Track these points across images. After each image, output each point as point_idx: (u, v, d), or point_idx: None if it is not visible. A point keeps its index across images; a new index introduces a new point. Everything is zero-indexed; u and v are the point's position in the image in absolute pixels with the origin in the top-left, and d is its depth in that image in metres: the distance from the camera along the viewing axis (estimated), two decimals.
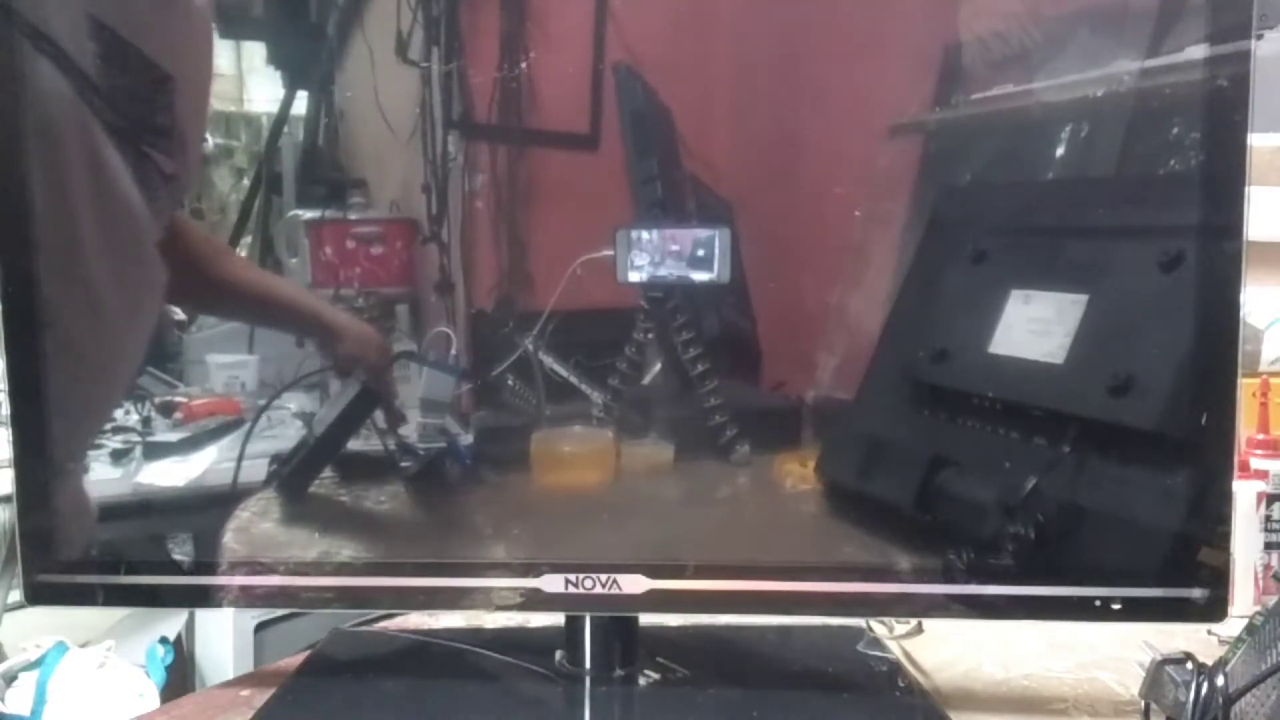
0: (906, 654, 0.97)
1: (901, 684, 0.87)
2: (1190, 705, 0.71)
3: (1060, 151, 0.79)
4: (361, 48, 0.83)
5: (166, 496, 0.88)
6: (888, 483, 0.83)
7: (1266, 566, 1.11)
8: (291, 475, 0.86)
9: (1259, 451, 1.14)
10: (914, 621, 1.01)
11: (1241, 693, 0.70)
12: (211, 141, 0.86)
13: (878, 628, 0.99)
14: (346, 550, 0.84)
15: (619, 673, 0.86)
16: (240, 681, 0.96)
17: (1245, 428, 1.14)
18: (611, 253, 0.81)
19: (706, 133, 0.83)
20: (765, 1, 0.84)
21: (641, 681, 0.86)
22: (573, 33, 0.82)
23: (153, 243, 0.83)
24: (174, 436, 0.89)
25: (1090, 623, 0.79)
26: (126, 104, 0.79)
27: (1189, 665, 0.73)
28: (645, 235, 0.81)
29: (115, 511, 0.86)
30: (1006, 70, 0.78)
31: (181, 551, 0.86)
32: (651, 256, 0.81)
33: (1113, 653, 0.96)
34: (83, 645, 1.96)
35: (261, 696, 0.87)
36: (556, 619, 0.89)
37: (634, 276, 0.81)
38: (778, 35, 0.82)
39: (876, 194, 0.81)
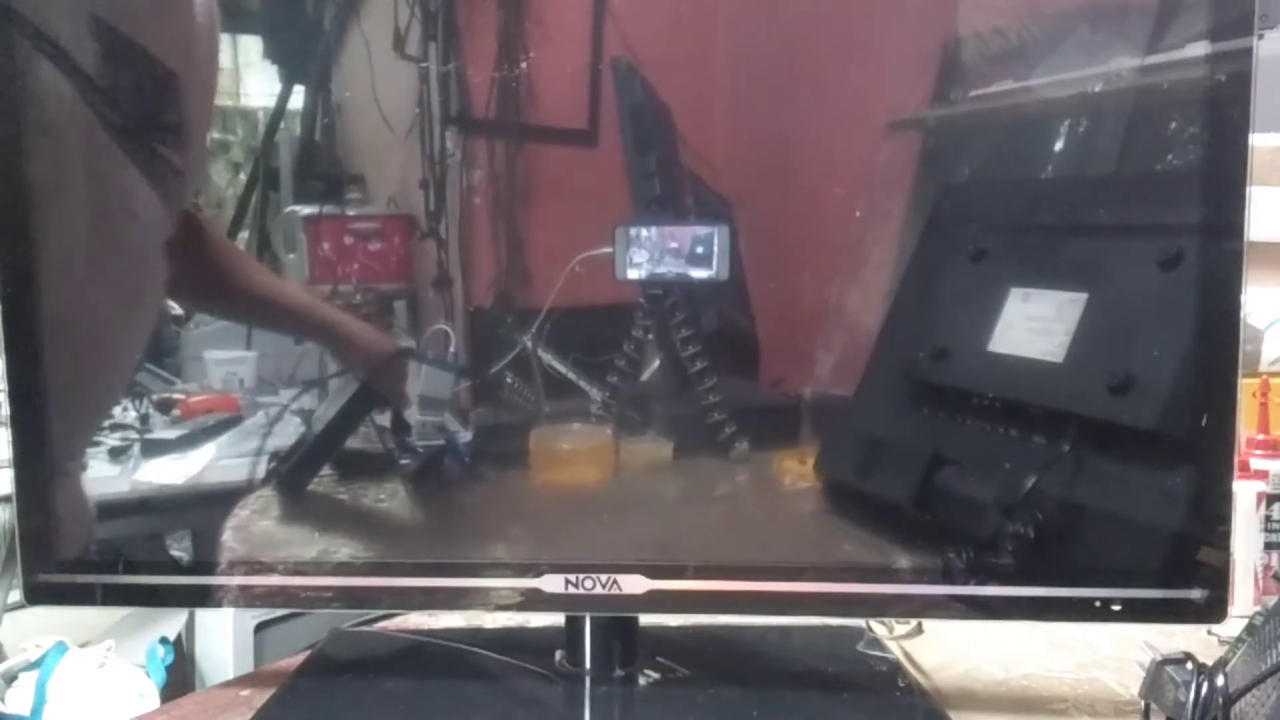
0: (906, 654, 0.97)
1: (901, 684, 0.87)
2: (1190, 705, 0.71)
3: (1060, 149, 0.79)
4: (359, 42, 0.83)
5: (165, 495, 0.88)
6: (887, 481, 0.83)
7: (1266, 566, 1.11)
8: (291, 473, 0.86)
9: (1259, 451, 1.14)
10: (914, 621, 1.01)
11: (1241, 693, 0.69)
12: (210, 136, 0.86)
13: (878, 628, 0.99)
14: (346, 549, 0.84)
15: (619, 673, 0.86)
16: (240, 681, 0.96)
17: (1245, 428, 1.14)
18: (610, 250, 0.81)
19: (705, 129, 0.83)
20: None
21: (641, 681, 0.86)
22: (571, 28, 0.82)
23: (159, 241, 0.82)
24: (172, 434, 0.88)
25: (1090, 623, 0.79)
26: (130, 102, 0.79)
27: (1189, 665, 0.73)
28: (644, 232, 0.80)
29: (114, 510, 0.86)
30: (1006, 67, 0.78)
31: (181, 550, 0.86)
32: (650, 254, 0.80)
33: (1113, 653, 0.96)
34: (83, 645, 1.96)
35: (261, 696, 0.87)
36: (556, 619, 0.89)
37: (633, 274, 0.81)
38: (776, 31, 0.82)
39: (875, 191, 0.81)
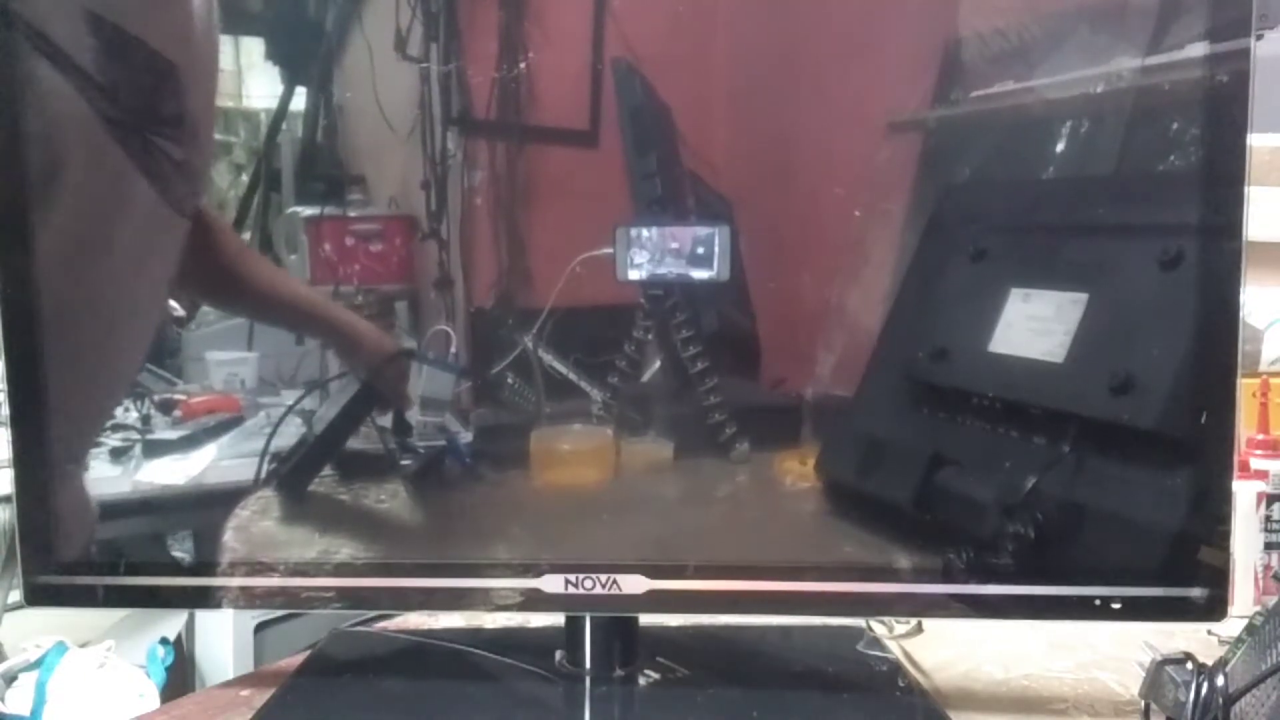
0: (906, 654, 0.97)
1: (901, 684, 0.87)
2: (1190, 705, 0.71)
3: (1060, 149, 0.79)
4: (360, 43, 0.83)
5: (166, 495, 0.88)
6: (887, 481, 0.83)
7: (1266, 566, 1.11)
8: (291, 473, 0.86)
9: (1259, 451, 1.14)
10: (914, 621, 1.01)
11: (1241, 693, 0.69)
12: (214, 130, 0.86)
13: (878, 628, 0.99)
14: (346, 549, 0.84)
15: (619, 673, 0.86)
16: (240, 681, 0.96)
17: (1245, 428, 1.14)
18: (611, 250, 0.81)
19: (706, 130, 0.83)
20: None
21: (641, 681, 0.86)
22: (572, 29, 0.82)
23: (162, 237, 0.82)
24: (173, 434, 0.88)
25: (1090, 622, 0.79)
26: (127, 95, 0.79)
27: (1189, 665, 0.73)
28: (645, 233, 0.80)
29: (115, 510, 0.86)
30: (1006, 67, 0.78)
31: (181, 551, 0.86)
32: (651, 254, 0.81)
33: (1113, 653, 0.96)
34: (83, 645, 1.96)
35: (261, 696, 0.87)
36: (556, 619, 0.89)
37: (633, 274, 0.81)
38: (777, 32, 0.82)
39: (876, 191, 0.81)
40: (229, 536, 0.85)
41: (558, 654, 0.88)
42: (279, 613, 1.94)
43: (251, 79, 0.85)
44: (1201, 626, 0.80)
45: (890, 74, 0.81)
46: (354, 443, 0.86)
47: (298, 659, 0.95)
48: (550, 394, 0.84)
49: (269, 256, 0.89)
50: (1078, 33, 0.77)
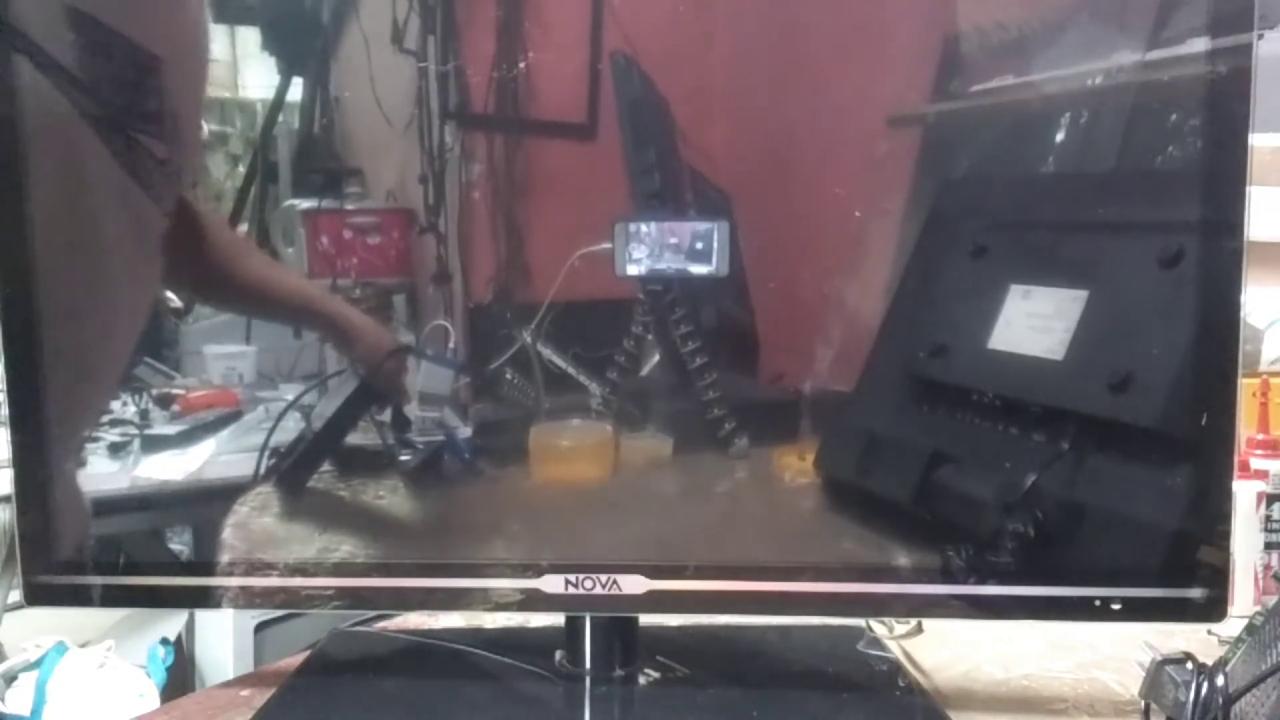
0: (906, 654, 0.97)
1: (901, 684, 0.87)
2: (1190, 705, 0.71)
3: (1060, 145, 0.79)
4: (357, 36, 0.83)
5: (165, 491, 0.88)
6: (886, 478, 0.83)
7: (1266, 566, 1.11)
8: (290, 469, 0.86)
9: (1259, 451, 1.14)
10: (914, 621, 1.01)
11: (1241, 693, 0.69)
12: (206, 128, 0.85)
13: (878, 628, 0.99)
14: (346, 547, 0.84)
15: (619, 673, 0.86)
16: (240, 681, 0.96)
17: (1245, 428, 1.14)
18: (610, 245, 0.81)
19: (705, 124, 0.82)
20: None
21: (641, 681, 0.86)
22: (570, 22, 0.82)
23: (153, 234, 0.82)
24: (172, 429, 0.88)
25: (1090, 622, 0.79)
26: (109, 91, 0.79)
27: (1189, 665, 0.73)
28: (644, 228, 0.80)
29: (114, 506, 0.86)
30: (1006, 62, 0.78)
31: (180, 546, 0.86)
32: (650, 249, 0.80)
33: (1113, 653, 0.96)
34: (83, 645, 1.96)
35: (261, 696, 0.87)
36: (556, 619, 0.89)
37: (632, 270, 0.81)
38: (776, 25, 0.82)
39: (875, 186, 0.81)
40: (228, 533, 0.85)
41: (558, 654, 0.88)
42: (279, 613, 1.94)
43: (248, 70, 0.85)
44: (1201, 626, 0.80)
45: (890, 68, 0.81)
46: (353, 438, 0.86)
47: (298, 659, 0.95)
48: (549, 389, 0.84)
49: (266, 249, 0.89)
50: (1078, 27, 0.77)
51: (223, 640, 2.05)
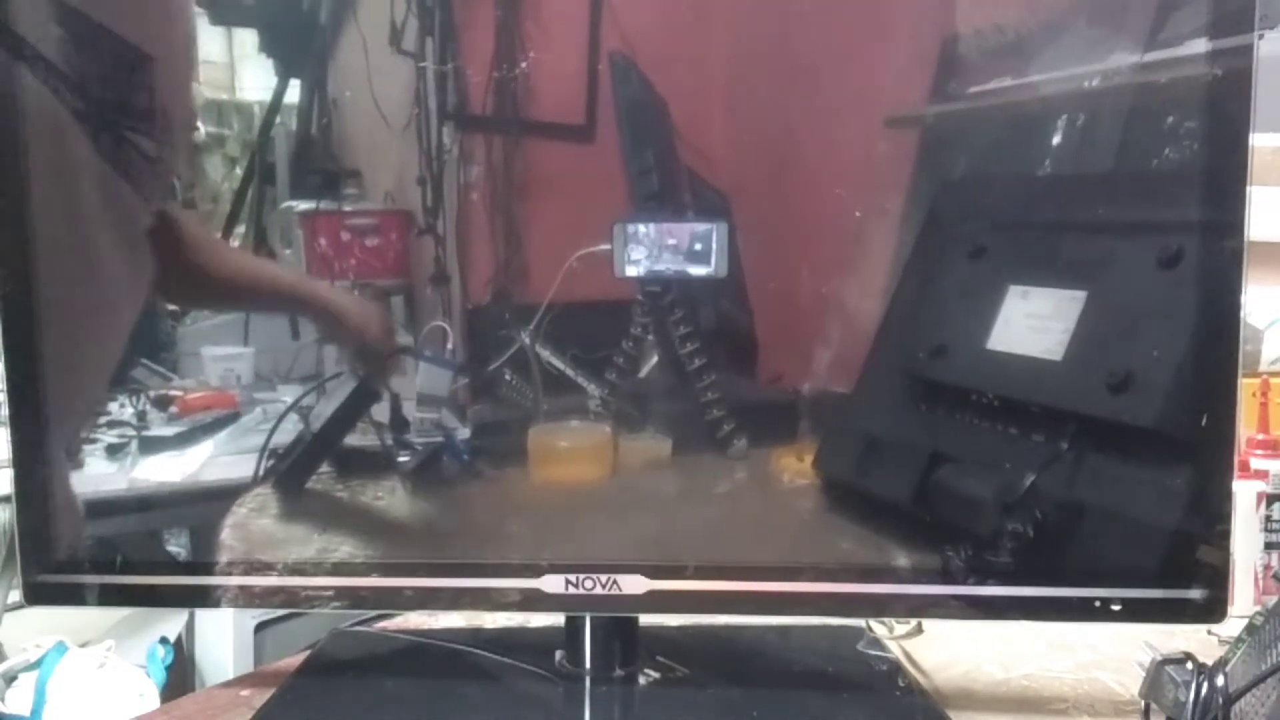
0: (906, 654, 0.97)
1: (901, 684, 0.87)
2: (1190, 705, 0.71)
3: (1059, 146, 0.79)
4: (355, 37, 0.83)
5: (164, 492, 0.88)
6: (886, 478, 0.83)
7: (1266, 566, 1.11)
8: (289, 470, 0.86)
9: (1259, 451, 1.14)
10: (914, 621, 1.01)
11: (1241, 693, 0.69)
12: (204, 130, 0.85)
13: (878, 628, 0.99)
14: (345, 547, 0.84)
15: (619, 673, 0.86)
16: (240, 681, 0.96)
17: (1245, 428, 1.14)
18: (608, 247, 0.81)
19: (703, 125, 0.82)
20: None
21: (641, 681, 0.86)
22: (568, 22, 0.82)
23: (141, 232, 0.82)
24: (170, 431, 0.88)
25: (1090, 623, 0.79)
26: (101, 89, 0.78)
27: (1189, 665, 0.73)
28: (642, 229, 0.80)
29: (114, 508, 0.86)
30: (1005, 63, 0.78)
31: (179, 547, 0.86)
32: (649, 251, 0.80)
33: (1113, 653, 0.96)
34: (83, 645, 1.96)
35: (261, 696, 0.87)
36: (556, 619, 0.89)
37: (631, 271, 0.81)
38: (774, 26, 0.82)
39: (874, 187, 0.81)
40: (227, 534, 0.85)
41: (558, 654, 0.88)
42: (279, 613, 1.94)
43: (245, 71, 0.85)
44: (1201, 626, 0.80)
45: (888, 69, 0.81)
46: (351, 439, 0.86)
47: (298, 659, 0.95)
48: (548, 390, 0.84)
49: (264, 250, 0.89)
50: (1077, 28, 0.77)
51: (223, 640, 2.05)
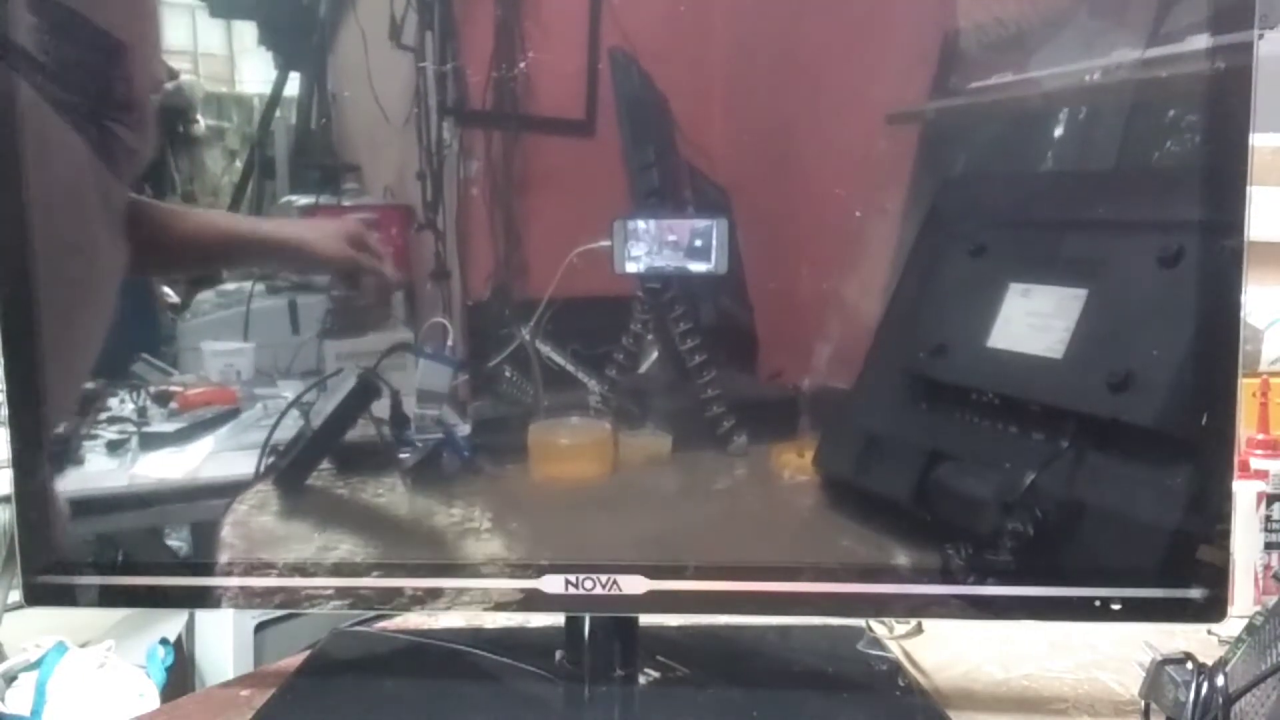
0: (906, 654, 0.96)
1: (901, 684, 0.87)
2: (1190, 705, 0.71)
3: (1060, 143, 0.79)
4: (355, 31, 0.83)
5: (164, 489, 0.88)
6: (886, 477, 0.83)
7: (1266, 566, 1.11)
8: (289, 467, 0.86)
9: (1259, 451, 1.14)
10: (914, 621, 1.00)
11: (1241, 693, 0.69)
12: (203, 123, 0.85)
13: (878, 628, 0.99)
14: (345, 545, 0.84)
15: (619, 673, 0.86)
16: (240, 681, 0.96)
17: (1245, 428, 1.14)
18: (608, 243, 0.81)
19: (703, 121, 0.82)
20: None
21: (641, 681, 0.86)
22: (569, 18, 0.82)
23: (116, 223, 0.82)
24: (170, 427, 0.88)
25: (1090, 622, 0.79)
26: (82, 79, 0.78)
27: (1189, 665, 0.73)
28: (642, 225, 0.80)
29: (113, 505, 0.86)
30: (1005, 59, 0.78)
31: (179, 543, 0.86)
32: (649, 247, 0.80)
33: (1113, 653, 0.96)
34: (83, 645, 1.96)
35: (261, 696, 0.87)
36: (556, 619, 0.89)
37: (631, 267, 0.81)
38: (775, 22, 0.82)
39: (874, 184, 0.81)
40: (227, 532, 0.85)
41: (558, 654, 0.88)
42: (279, 613, 1.94)
43: (244, 64, 0.85)
44: (1201, 626, 0.80)
45: (889, 65, 0.81)
46: (351, 436, 0.86)
47: (298, 659, 0.95)
48: (548, 387, 0.84)
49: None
50: (1078, 24, 0.77)
51: (223, 640, 2.05)
